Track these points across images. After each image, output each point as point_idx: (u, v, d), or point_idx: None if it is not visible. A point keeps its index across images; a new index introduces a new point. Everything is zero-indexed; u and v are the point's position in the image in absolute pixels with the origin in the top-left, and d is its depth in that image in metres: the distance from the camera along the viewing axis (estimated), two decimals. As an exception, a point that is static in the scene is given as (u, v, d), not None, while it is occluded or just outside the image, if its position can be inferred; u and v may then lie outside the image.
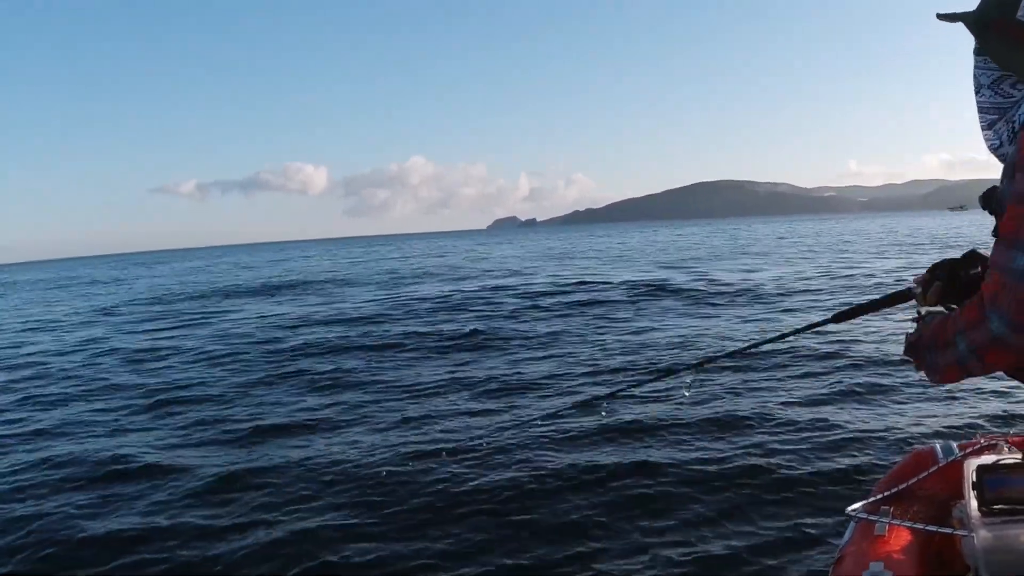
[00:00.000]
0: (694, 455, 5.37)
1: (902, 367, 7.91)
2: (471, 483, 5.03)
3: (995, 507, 1.87)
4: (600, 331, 11.75)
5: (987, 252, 1.40)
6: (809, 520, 4.20)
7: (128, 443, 6.74)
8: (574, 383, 8.02)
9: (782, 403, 6.69)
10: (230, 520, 4.70)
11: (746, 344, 2.68)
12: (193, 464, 5.90)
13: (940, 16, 1.46)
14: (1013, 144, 1.38)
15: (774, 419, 6.16)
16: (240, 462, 5.87)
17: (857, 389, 7.11)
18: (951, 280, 1.63)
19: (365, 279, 28.92)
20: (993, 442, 2.26)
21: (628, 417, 6.43)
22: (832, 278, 18.36)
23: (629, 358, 9.14)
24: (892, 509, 2.08)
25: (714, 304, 14.54)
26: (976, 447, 2.26)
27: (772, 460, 5.17)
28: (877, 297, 1.89)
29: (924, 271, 1.74)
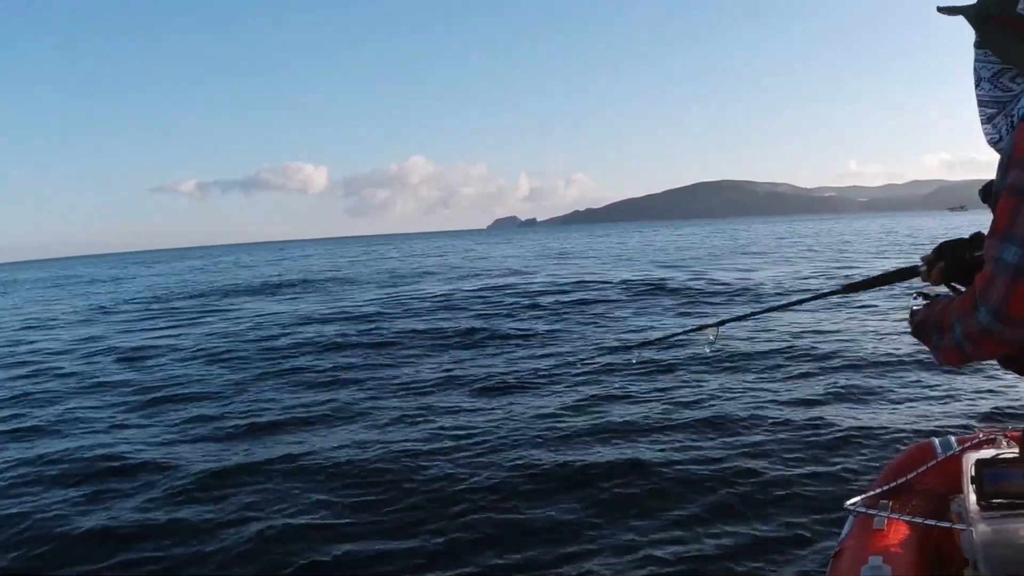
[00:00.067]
0: (690, 454, 5.35)
1: (899, 366, 7.93)
2: (465, 482, 5.01)
3: (994, 501, 1.87)
4: (599, 330, 11.75)
5: None
6: (807, 516, 4.19)
7: (124, 440, 6.73)
8: (573, 382, 8.01)
9: (778, 402, 6.68)
10: (223, 517, 4.68)
11: (763, 308, 2.75)
12: (189, 461, 5.88)
13: (940, 9, 1.46)
14: (1011, 137, 1.38)
15: (770, 418, 6.15)
16: (235, 459, 5.86)
17: (854, 387, 7.10)
18: (956, 261, 1.66)
19: (365, 278, 28.92)
20: (992, 437, 2.27)
21: (623, 417, 6.42)
22: (829, 278, 18.38)
23: (628, 356, 9.13)
24: (891, 503, 2.09)
25: (712, 303, 14.55)
26: (975, 442, 2.27)
27: (769, 458, 5.16)
28: (886, 271, 1.92)
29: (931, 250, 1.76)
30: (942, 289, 1.69)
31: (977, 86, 1.51)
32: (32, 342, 15.10)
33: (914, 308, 1.59)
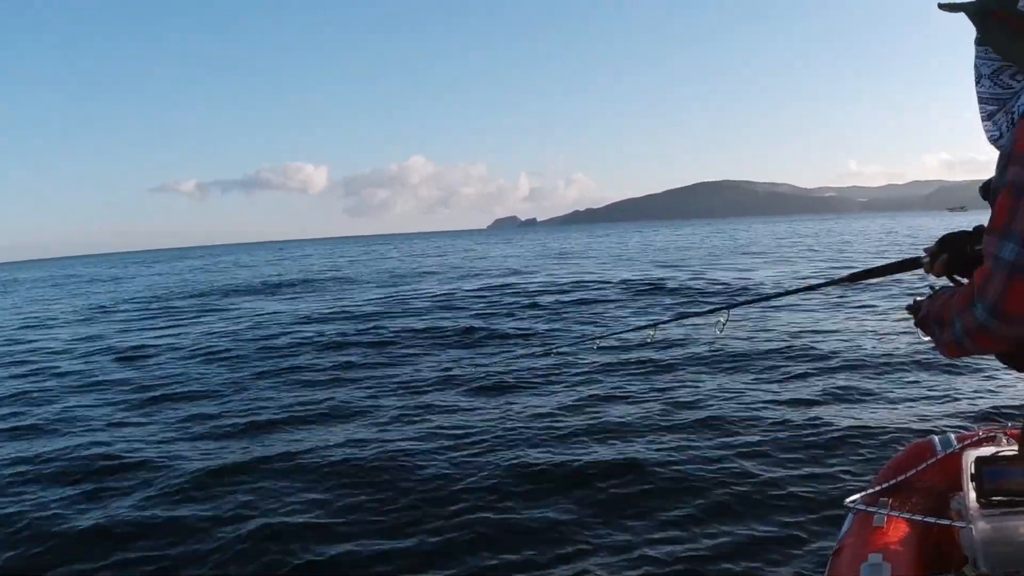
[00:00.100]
0: (688, 454, 5.34)
1: (898, 365, 7.93)
2: (462, 481, 5.01)
3: (993, 499, 1.87)
4: (598, 329, 11.75)
5: None
6: (806, 514, 4.18)
7: (122, 439, 6.72)
8: (571, 382, 8.00)
9: (777, 401, 6.68)
10: (220, 515, 4.68)
11: (772, 292, 2.79)
12: (187, 459, 5.89)
13: (941, 6, 1.46)
14: (1011, 134, 1.38)
15: (769, 417, 6.14)
16: (233, 458, 5.85)
17: (853, 386, 7.10)
18: (958, 254, 1.67)
19: (364, 278, 28.92)
20: (991, 434, 2.27)
21: (621, 416, 6.41)
22: (827, 278, 18.36)
23: (627, 356, 9.14)
24: (891, 501, 2.09)
25: (712, 303, 14.54)
26: (974, 439, 2.27)
27: (767, 457, 5.16)
28: (891, 262, 1.93)
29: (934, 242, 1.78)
30: (943, 281, 1.70)
31: (977, 83, 1.51)
32: (31, 341, 15.09)
33: (917, 299, 1.60)
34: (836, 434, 5.53)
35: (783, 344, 9.36)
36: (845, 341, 9.42)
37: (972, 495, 1.90)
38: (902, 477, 2.21)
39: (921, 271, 1.82)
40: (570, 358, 9.22)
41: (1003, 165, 1.35)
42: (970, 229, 1.69)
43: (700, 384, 7.50)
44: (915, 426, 5.63)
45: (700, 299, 15.29)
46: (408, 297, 18.80)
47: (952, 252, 1.69)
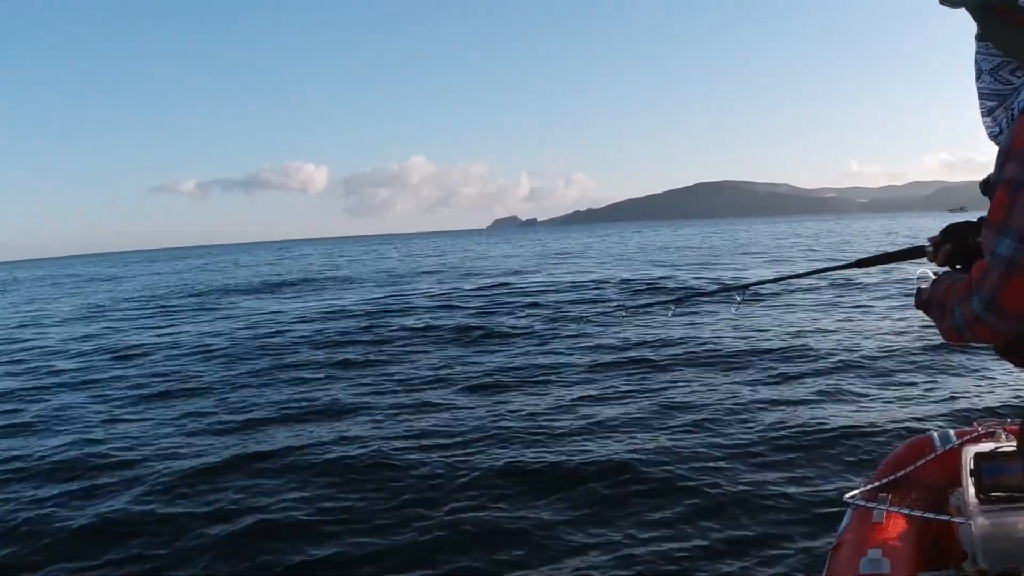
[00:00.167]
0: (687, 452, 5.33)
1: (897, 362, 7.94)
2: (456, 480, 5.01)
3: (992, 494, 1.88)
4: (598, 328, 11.74)
5: None
6: (805, 510, 4.18)
7: (118, 436, 6.71)
8: (567, 380, 8.01)
9: (776, 400, 6.67)
10: (212, 513, 4.69)
11: (785, 275, 2.83)
12: (181, 457, 5.89)
13: (943, 1, 1.47)
14: (1010, 130, 1.38)
15: (768, 415, 6.14)
16: (228, 455, 5.85)
17: (852, 384, 7.10)
18: (960, 244, 1.68)
19: (364, 278, 28.92)
20: (991, 430, 2.27)
21: (618, 416, 6.40)
22: (828, 278, 18.37)
23: (626, 355, 9.14)
24: (890, 496, 2.09)
25: (713, 302, 14.51)
26: (973, 435, 2.27)
27: (767, 455, 5.15)
28: (897, 249, 1.97)
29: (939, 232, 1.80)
30: (946, 270, 1.71)
31: (978, 79, 1.51)
32: (30, 340, 15.09)
33: (921, 288, 1.61)
34: (834, 432, 5.52)
35: (780, 344, 9.36)
36: (842, 341, 9.43)
37: (971, 491, 1.90)
38: (901, 473, 2.21)
39: (924, 259, 1.85)
40: (568, 358, 9.22)
41: (1001, 161, 1.36)
42: (974, 220, 1.70)
43: (696, 384, 7.50)
44: (913, 424, 5.63)
45: (701, 299, 15.26)
46: (407, 296, 18.80)
47: (955, 243, 1.70)
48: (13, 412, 8.10)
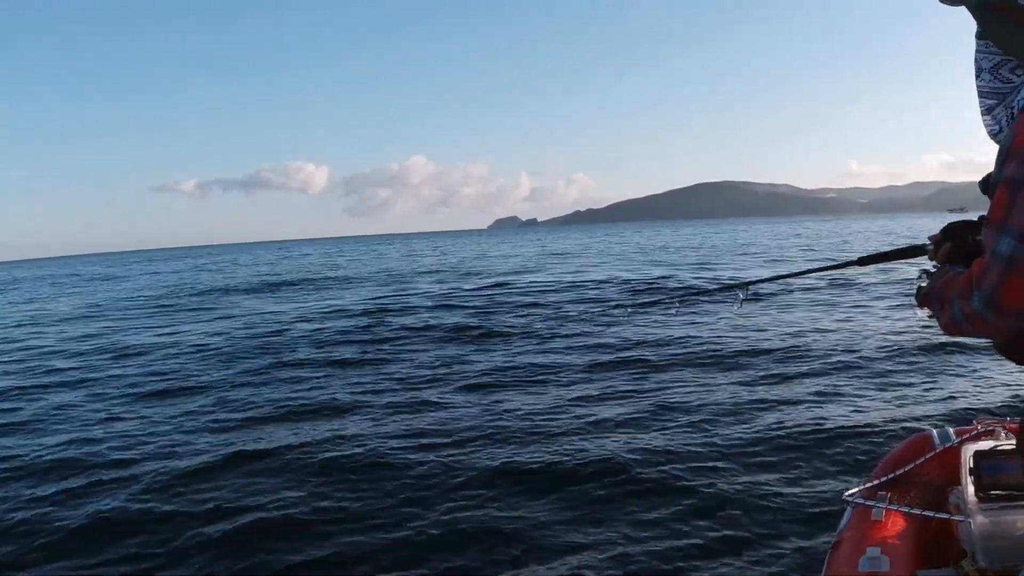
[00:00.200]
0: (686, 450, 5.33)
1: (895, 361, 7.95)
2: (449, 480, 5.01)
3: (991, 493, 1.88)
4: (597, 328, 11.75)
5: None
6: (804, 508, 4.18)
7: (116, 435, 6.69)
8: (565, 380, 8.00)
9: (774, 399, 6.66)
10: (208, 511, 4.69)
11: (786, 273, 2.85)
12: (177, 456, 5.89)
13: (943, -1, 1.47)
14: (1010, 129, 1.39)
15: (766, 414, 6.13)
16: (223, 453, 5.85)
17: (851, 383, 7.11)
18: (960, 243, 1.69)
19: (364, 277, 28.93)
20: (990, 428, 2.27)
21: (615, 415, 6.39)
22: (828, 279, 18.39)
23: (624, 354, 9.15)
24: (889, 494, 2.09)
25: (713, 301, 14.52)
26: (973, 433, 2.27)
27: (766, 453, 5.15)
28: (897, 248, 1.98)
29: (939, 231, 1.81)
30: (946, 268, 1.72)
31: (977, 77, 1.52)
32: (29, 339, 15.09)
33: (921, 286, 1.62)
34: (832, 432, 5.51)
35: (779, 344, 9.37)
36: (841, 341, 9.42)
37: (970, 489, 1.90)
38: (900, 471, 2.21)
39: (925, 258, 1.86)
40: (567, 357, 9.22)
41: (1001, 160, 1.36)
42: (975, 219, 1.71)
43: (694, 383, 7.50)
44: (912, 424, 5.63)
45: (702, 298, 15.27)
46: (406, 296, 18.80)
47: (955, 241, 1.71)
48: (11, 411, 8.09)
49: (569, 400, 7.07)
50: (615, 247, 48.13)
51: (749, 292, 2.71)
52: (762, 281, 3.06)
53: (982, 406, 5.82)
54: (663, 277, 20.34)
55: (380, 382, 8.39)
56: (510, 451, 5.56)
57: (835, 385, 7.07)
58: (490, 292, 18.70)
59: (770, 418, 6.03)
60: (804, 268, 2.72)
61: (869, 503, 2.06)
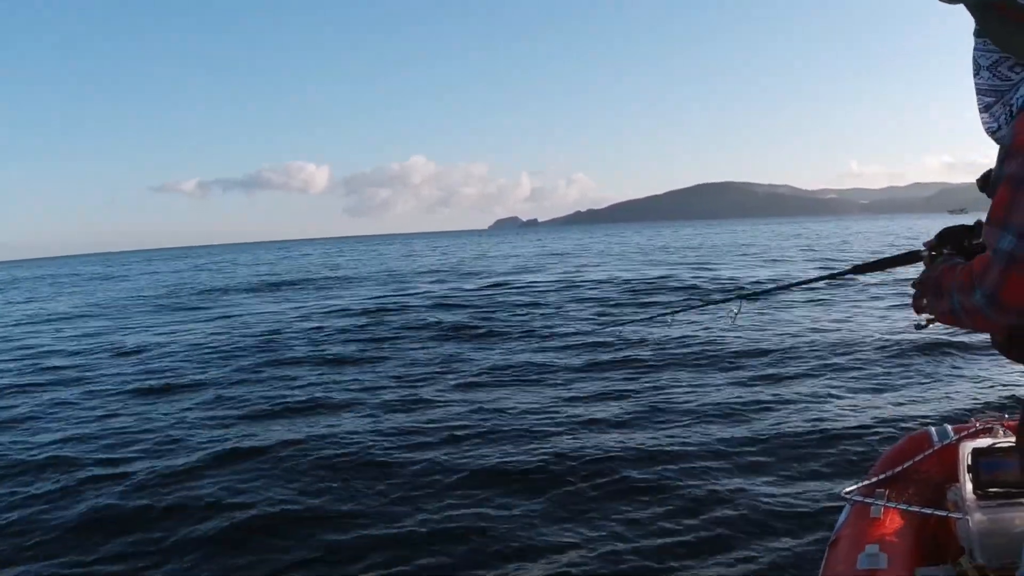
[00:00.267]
0: (684, 448, 5.33)
1: (894, 359, 7.96)
2: (443, 479, 5.01)
3: (990, 490, 1.88)
4: (597, 327, 11.76)
5: None
6: (803, 505, 4.18)
7: (114, 432, 6.70)
8: (563, 380, 8.01)
9: (773, 397, 6.67)
10: (205, 507, 4.71)
11: (782, 284, 2.85)
12: (175, 453, 5.90)
13: (942, -3, 1.47)
14: (1010, 127, 1.39)
15: (765, 412, 6.14)
16: (220, 450, 5.87)
17: (850, 381, 7.12)
18: (957, 248, 1.70)
19: (364, 277, 28.94)
20: (988, 425, 2.28)
21: (610, 415, 6.39)
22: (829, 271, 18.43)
23: (625, 353, 9.15)
24: (887, 492, 2.09)
25: (713, 301, 14.54)
26: (971, 430, 2.27)
27: (764, 451, 5.15)
28: (892, 255, 1.99)
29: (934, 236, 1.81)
30: None
31: (976, 75, 1.52)
32: (27, 338, 15.09)
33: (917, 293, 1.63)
34: (830, 432, 5.51)
35: (776, 343, 9.36)
36: (839, 340, 9.42)
37: (968, 486, 1.90)
38: (899, 468, 2.21)
39: (920, 264, 1.86)
40: (563, 357, 9.23)
41: (1002, 158, 1.37)
42: (971, 223, 1.71)
43: (692, 383, 7.50)
44: (910, 423, 5.64)
45: (698, 297, 15.30)
46: (406, 296, 18.80)
47: (951, 245, 1.71)
48: (8, 408, 8.10)
49: (564, 400, 7.08)
50: (615, 247, 48.13)
51: (743, 307, 2.70)
52: (757, 294, 3.05)
53: (979, 406, 5.82)
54: (662, 277, 20.34)
55: (377, 381, 8.40)
56: (504, 450, 5.56)
57: (832, 385, 7.07)
58: (489, 292, 18.70)
59: (767, 418, 6.03)
60: (802, 278, 2.72)
61: (867, 500, 2.06)
